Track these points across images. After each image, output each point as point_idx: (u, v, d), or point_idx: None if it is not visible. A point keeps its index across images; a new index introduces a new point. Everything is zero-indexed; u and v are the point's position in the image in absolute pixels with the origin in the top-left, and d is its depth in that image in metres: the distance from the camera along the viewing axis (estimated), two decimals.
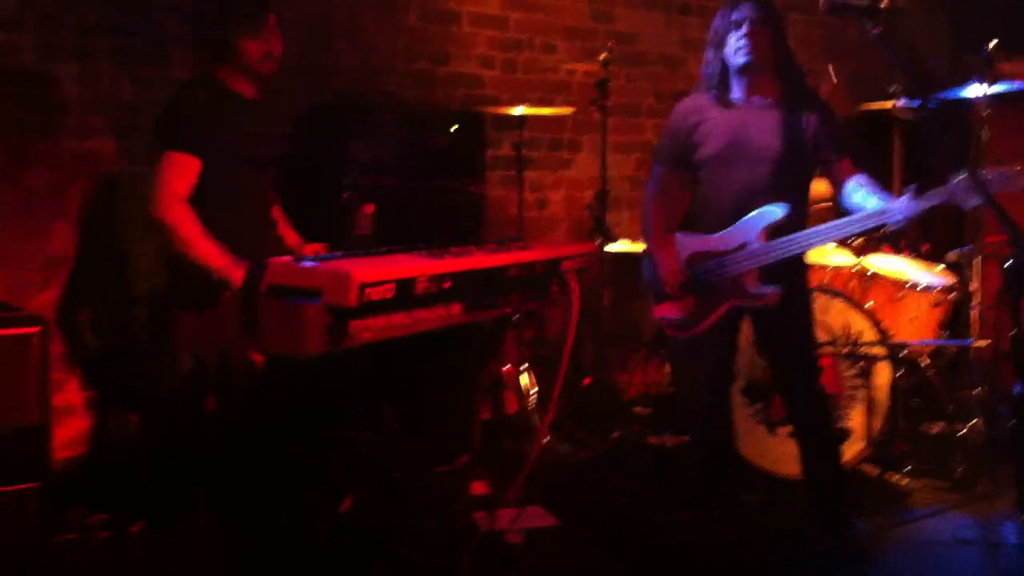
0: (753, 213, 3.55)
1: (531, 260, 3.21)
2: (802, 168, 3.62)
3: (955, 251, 4.88)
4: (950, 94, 4.63)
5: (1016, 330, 2.57)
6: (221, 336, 2.84)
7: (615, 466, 4.50)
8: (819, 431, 3.74)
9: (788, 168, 3.56)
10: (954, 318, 4.83)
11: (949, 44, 6.13)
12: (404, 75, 4.91)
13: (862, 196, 3.52)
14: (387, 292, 2.68)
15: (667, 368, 5.04)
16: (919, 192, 3.34)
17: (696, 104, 3.72)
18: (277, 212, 3.71)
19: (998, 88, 4.47)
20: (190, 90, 3.44)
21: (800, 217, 3.60)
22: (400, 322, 2.82)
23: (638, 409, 4.93)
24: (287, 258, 2.74)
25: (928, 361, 4.71)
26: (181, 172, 3.29)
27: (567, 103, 5.32)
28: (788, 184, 3.57)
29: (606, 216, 4.91)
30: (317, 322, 2.60)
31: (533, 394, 4.71)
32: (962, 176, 3.16)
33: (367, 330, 2.71)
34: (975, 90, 4.52)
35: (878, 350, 4.28)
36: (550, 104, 5.29)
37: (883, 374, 4.30)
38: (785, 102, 3.60)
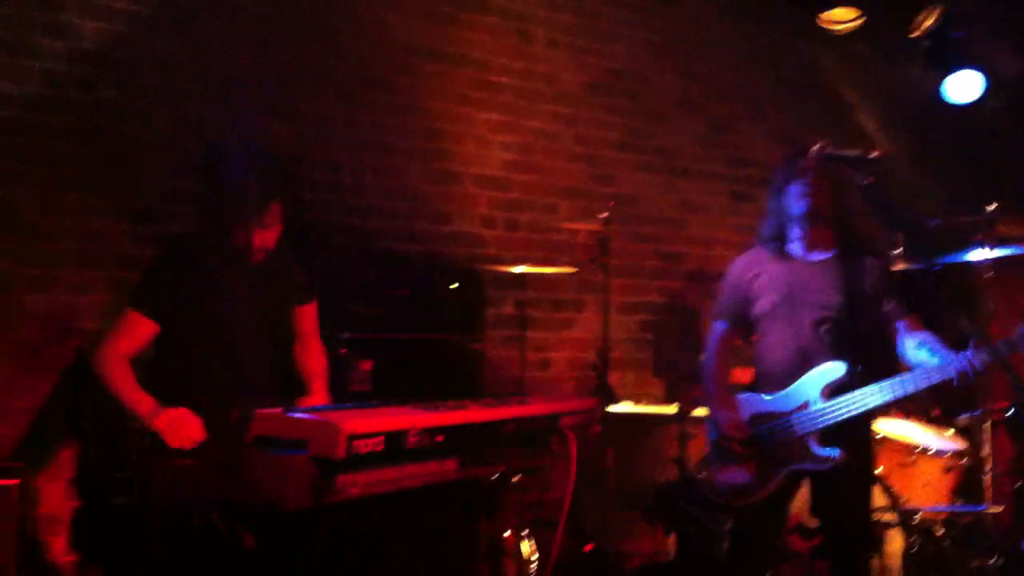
0: (813, 371, 3.44)
1: (528, 415, 3.12)
2: (862, 323, 3.49)
3: (965, 415, 4.77)
4: (953, 257, 4.62)
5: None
6: (203, 488, 2.72)
7: None
8: None
9: (848, 323, 3.46)
10: (967, 484, 4.68)
11: (940, 204, 6.19)
12: (406, 235, 4.93)
13: (924, 352, 3.41)
14: (376, 445, 2.58)
15: (671, 537, 4.86)
16: (977, 347, 3.25)
17: (754, 258, 3.68)
18: (316, 365, 3.63)
19: (1000, 252, 4.46)
20: (169, 249, 3.39)
21: (862, 374, 3.43)
22: (390, 477, 2.71)
23: None
24: (276, 409, 2.66)
25: (942, 529, 4.52)
26: (130, 332, 3.25)
27: (569, 263, 5.31)
28: (848, 340, 3.45)
29: (609, 376, 4.83)
30: (302, 475, 2.50)
31: (534, 561, 4.52)
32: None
33: (354, 485, 2.60)
34: (978, 254, 4.51)
35: (890, 516, 4.13)
36: (552, 263, 5.29)
37: (896, 542, 4.14)
38: (844, 256, 3.53)
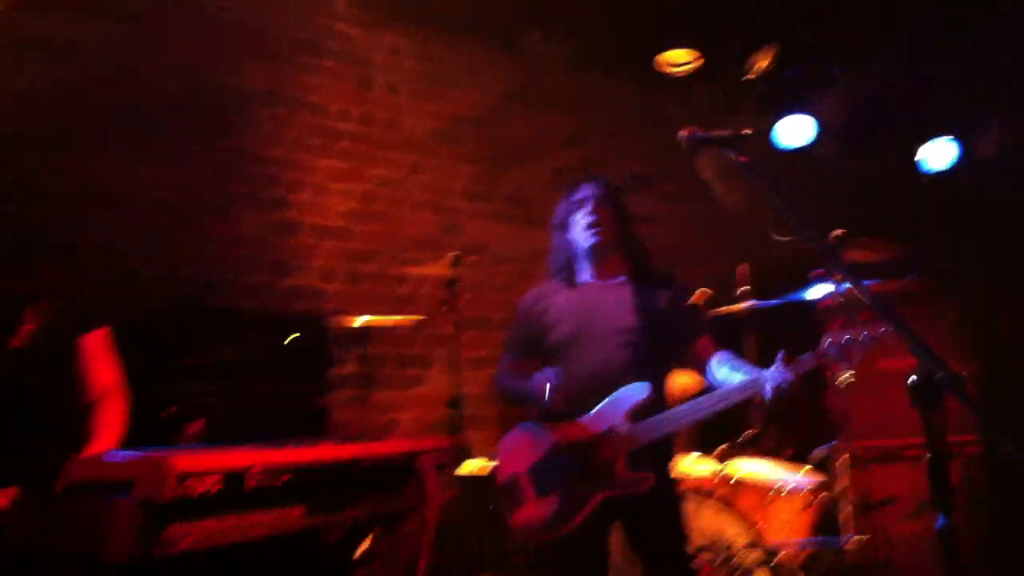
0: (615, 394, 3.33)
1: (382, 453, 2.88)
2: (659, 345, 3.43)
3: (819, 450, 4.77)
4: (796, 296, 4.66)
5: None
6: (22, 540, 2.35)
7: None
8: None
9: (645, 345, 3.38)
10: (825, 519, 4.66)
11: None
12: (244, 288, 4.63)
13: (728, 370, 3.35)
14: (213, 485, 2.30)
15: None
16: (787, 360, 3.19)
17: (542, 290, 3.57)
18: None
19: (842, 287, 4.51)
20: None
21: (664, 397, 3.39)
22: (229, 526, 2.42)
23: None
24: (95, 451, 2.34)
25: (803, 567, 4.47)
26: None
27: (416, 312, 5.12)
28: (646, 362, 3.37)
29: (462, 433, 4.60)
30: (126, 521, 2.19)
31: None
32: (830, 339, 3.05)
33: (187, 535, 2.30)
34: (819, 290, 4.55)
35: (755, 555, 4.03)
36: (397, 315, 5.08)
37: None
38: (635, 280, 3.49)
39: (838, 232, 4.39)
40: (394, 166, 5.32)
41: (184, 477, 2.22)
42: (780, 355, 3.18)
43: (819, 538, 4.54)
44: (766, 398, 3.18)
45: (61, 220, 3.96)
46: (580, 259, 3.52)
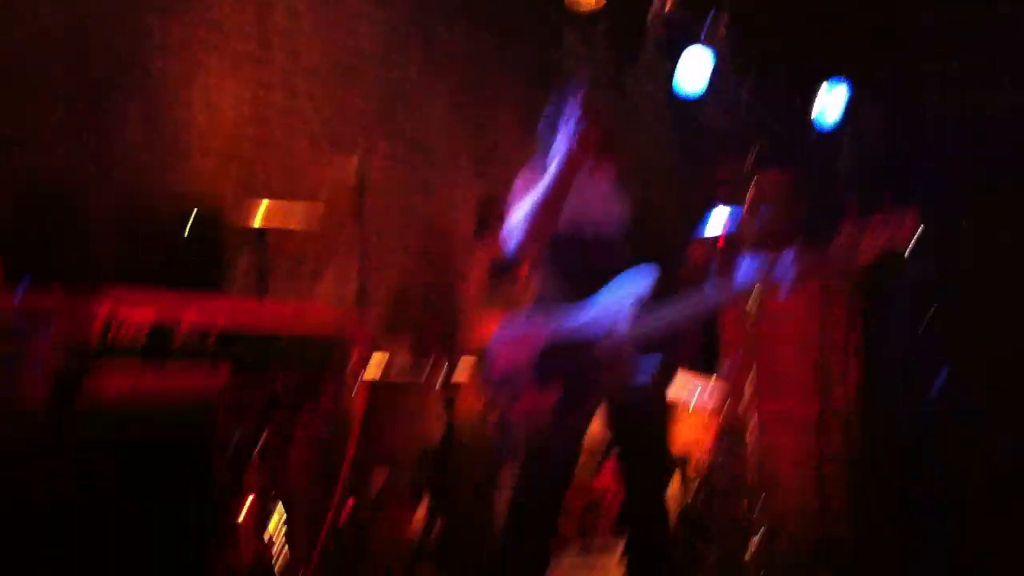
0: (613, 286, 3.23)
1: (307, 327, 2.69)
2: (654, 240, 3.37)
3: (724, 363, 4.80)
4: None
5: None
6: None
7: None
8: (657, 545, 3.34)
9: (641, 240, 3.30)
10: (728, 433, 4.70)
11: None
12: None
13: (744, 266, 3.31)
14: (140, 334, 2.07)
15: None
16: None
17: (535, 180, 3.43)
18: None
19: None
20: None
21: (667, 291, 3.25)
22: (151, 383, 2.20)
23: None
24: None
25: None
26: None
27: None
28: (642, 259, 3.28)
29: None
30: (41, 365, 1.95)
31: (281, 534, 3.98)
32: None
33: (107, 387, 2.07)
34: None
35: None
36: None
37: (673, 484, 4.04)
38: (621, 176, 3.37)
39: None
40: (293, 95, 5.04)
41: (111, 320, 1.99)
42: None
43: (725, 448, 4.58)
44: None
45: None
46: None
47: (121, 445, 2.38)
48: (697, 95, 6.35)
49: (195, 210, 4.15)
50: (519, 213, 3.42)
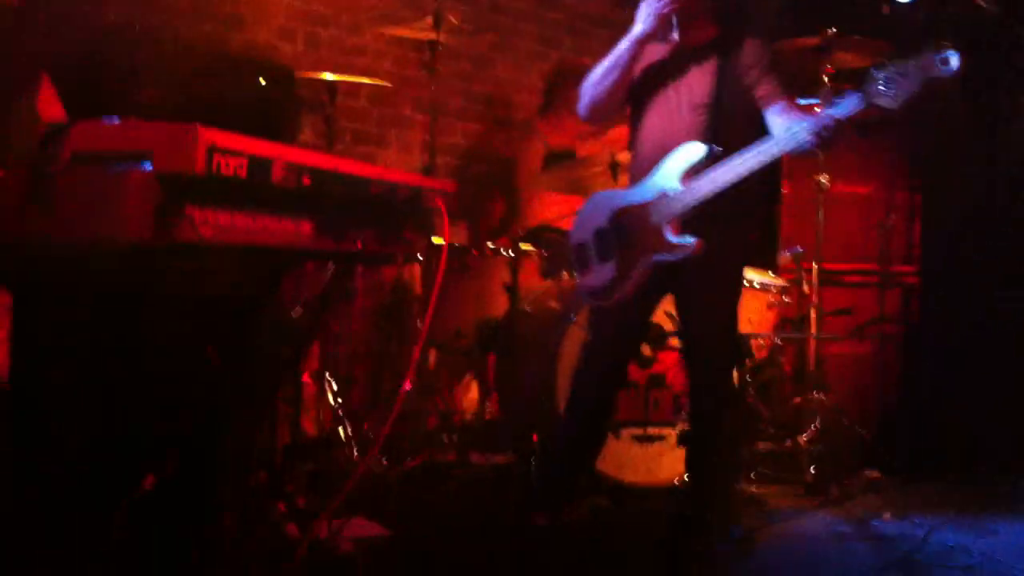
0: (671, 156, 3.16)
1: (395, 180, 2.63)
2: (735, 113, 3.22)
3: (787, 252, 4.72)
4: None
5: None
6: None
7: (438, 478, 3.87)
8: (716, 424, 3.32)
9: (720, 113, 3.19)
10: (786, 321, 4.65)
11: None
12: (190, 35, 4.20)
13: (783, 120, 3.19)
14: (239, 168, 2.02)
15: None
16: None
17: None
18: None
19: None
20: None
21: (724, 156, 3.14)
22: (244, 225, 2.15)
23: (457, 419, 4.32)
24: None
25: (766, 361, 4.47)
26: None
27: (375, 90, 4.79)
28: (718, 129, 3.18)
29: None
30: (142, 196, 1.90)
31: (338, 407, 4.00)
32: (879, 72, 2.88)
33: (205, 224, 2.03)
34: None
35: None
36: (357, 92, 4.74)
37: None
38: (723, 39, 3.27)
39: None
40: None
41: (214, 151, 1.93)
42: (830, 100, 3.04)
43: (788, 334, 4.53)
44: (808, 146, 3.04)
45: None
46: None
47: (208, 288, 2.37)
48: None
49: (264, 65, 4.07)
50: (593, 74, 3.34)
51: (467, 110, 5.40)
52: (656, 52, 3.29)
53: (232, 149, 1.99)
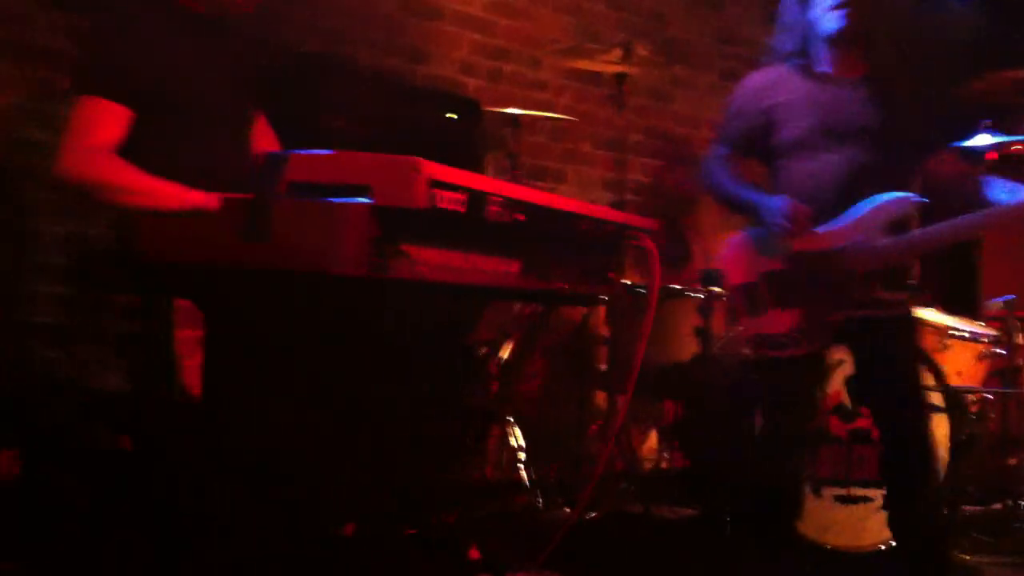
0: (870, 202, 2.91)
1: (604, 218, 2.48)
2: (909, 152, 3.01)
3: (996, 301, 4.37)
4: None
5: None
6: (204, 248, 1.96)
7: (625, 528, 3.68)
8: (919, 486, 3.03)
9: (894, 152, 2.95)
10: (1000, 374, 4.28)
11: None
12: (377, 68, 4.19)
13: (997, 188, 2.95)
14: (457, 203, 1.90)
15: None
16: None
17: (773, 76, 3.09)
18: None
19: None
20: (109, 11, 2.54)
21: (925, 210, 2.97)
22: (456, 264, 2.04)
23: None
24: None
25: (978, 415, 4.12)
26: (101, 122, 2.44)
27: (555, 125, 4.69)
28: (896, 171, 2.95)
29: None
30: (360, 229, 1.80)
31: (519, 449, 3.86)
32: None
33: (421, 261, 1.92)
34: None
35: (937, 397, 3.67)
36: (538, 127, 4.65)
37: (941, 428, 3.67)
38: (880, 76, 3.01)
39: None
40: None
41: (434, 185, 1.82)
42: None
43: (1004, 388, 4.17)
44: None
45: None
46: (817, 43, 3.02)
47: (413, 326, 2.27)
48: None
49: (452, 99, 4.01)
50: (719, 175, 3.14)
51: (645, 145, 5.24)
52: (805, 86, 3.02)
53: (452, 183, 1.87)
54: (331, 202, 1.81)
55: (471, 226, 1.98)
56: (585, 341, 4.09)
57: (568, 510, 3.65)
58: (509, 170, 4.09)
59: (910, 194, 2.90)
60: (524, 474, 3.70)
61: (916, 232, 2.89)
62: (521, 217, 2.10)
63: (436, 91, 4.02)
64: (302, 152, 1.90)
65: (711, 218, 4.76)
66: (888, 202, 2.89)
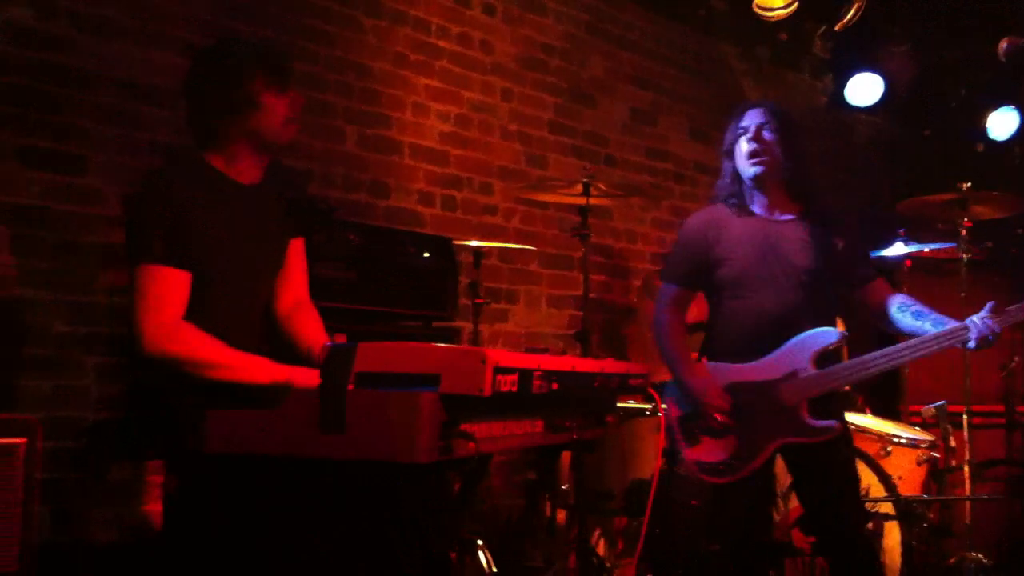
0: (800, 336, 3.20)
1: (612, 372, 2.67)
2: (834, 288, 3.34)
3: (929, 407, 4.69)
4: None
5: None
6: (276, 440, 2.07)
7: None
8: None
9: (822, 288, 3.27)
10: (935, 477, 4.58)
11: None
12: (346, 206, 4.32)
13: (912, 317, 3.24)
14: (512, 384, 2.07)
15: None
16: (996, 309, 3.10)
17: (713, 216, 3.39)
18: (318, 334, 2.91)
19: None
20: (160, 180, 2.63)
21: (849, 341, 3.30)
22: (497, 433, 2.20)
23: None
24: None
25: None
26: (169, 289, 2.55)
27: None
28: (823, 306, 3.27)
29: None
30: (434, 419, 1.95)
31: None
32: None
33: (476, 439, 2.06)
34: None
35: (887, 506, 3.93)
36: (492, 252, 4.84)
37: (893, 535, 3.93)
38: (809, 216, 3.34)
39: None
40: (487, 90, 5.05)
41: (498, 371, 1.98)
42: (989, 305, 3.10)
43: (952, 496, 4.45)
44: (969, 348, 3.09)
45: None
46: (747, 189, 3.35)
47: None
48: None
49: (425, 238, 4.17)
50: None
51: (588, 261, 5.47)
52: (743, 225, 3.32)
53: (509, 367, 2.03)
54: (406, 392, 1.95)
55: (518, 400, 2.14)
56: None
57: None
58: (472, 298, 4.24)
59: (837, 329, 3.21)
60: None
61: (844, 363, 3.18)
62: (555, 386, 2.28)
63: (411, 233, 4.19)
64: (370, 344, 2.03)
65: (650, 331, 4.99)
66: (816, 335, 3.18)
